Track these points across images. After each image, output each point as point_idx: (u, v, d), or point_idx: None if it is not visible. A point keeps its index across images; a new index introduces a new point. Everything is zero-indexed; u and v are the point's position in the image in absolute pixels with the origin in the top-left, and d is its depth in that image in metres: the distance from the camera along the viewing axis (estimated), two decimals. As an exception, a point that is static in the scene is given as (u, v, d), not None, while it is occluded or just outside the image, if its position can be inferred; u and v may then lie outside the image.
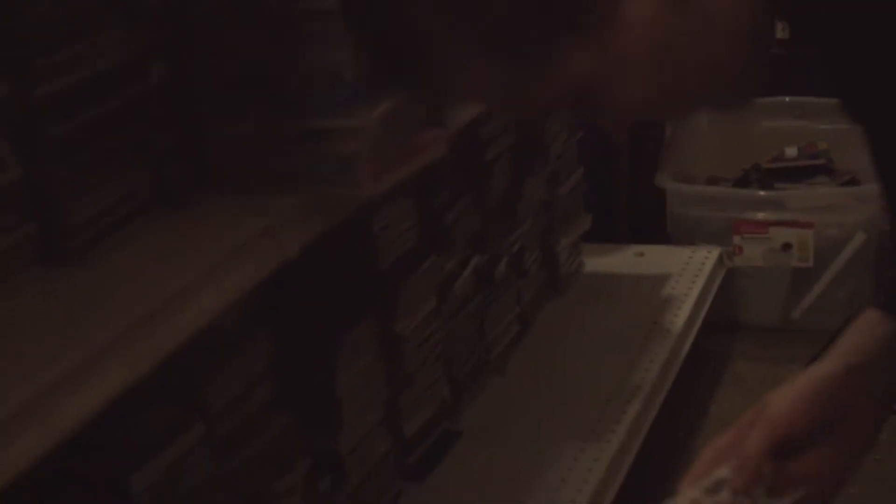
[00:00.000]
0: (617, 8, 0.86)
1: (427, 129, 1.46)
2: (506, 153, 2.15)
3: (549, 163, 2.37)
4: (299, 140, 1.30)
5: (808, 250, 2.76)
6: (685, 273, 2.62)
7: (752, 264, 2.78)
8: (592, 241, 2.61)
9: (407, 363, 1.80)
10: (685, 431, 2.48)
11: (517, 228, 2.22)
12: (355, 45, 1.12)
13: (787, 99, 3.10)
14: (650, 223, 2.92)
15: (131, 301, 1.09)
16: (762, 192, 2.88)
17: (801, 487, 1.10)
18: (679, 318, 2.44)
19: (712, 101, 0.98)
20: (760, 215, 2.77)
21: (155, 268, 1.16)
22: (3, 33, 1.12)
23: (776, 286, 2.80)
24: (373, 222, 1.71)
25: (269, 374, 1.47)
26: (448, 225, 1.96)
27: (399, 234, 1.78)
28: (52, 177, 1.15)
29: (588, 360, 2.25)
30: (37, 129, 1.13)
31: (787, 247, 2.76)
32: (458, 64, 0.87)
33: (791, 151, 3.05)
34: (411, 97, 1.32)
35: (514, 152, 2.19)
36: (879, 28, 0.91)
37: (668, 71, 0.90)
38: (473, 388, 2.06)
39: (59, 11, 1.15)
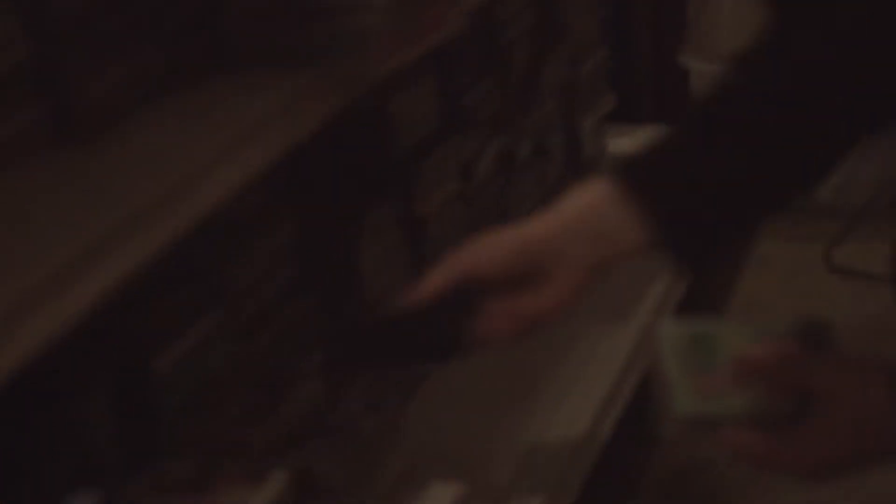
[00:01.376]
0: None
1: (442, 5, 1.44)
2: (526, 33, 2.12)
3: (571, 42, 2.33)
4: (314, 15, 1.28)
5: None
6: (709, 151, 2.59)
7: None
8: (616, 121, 2.58)
9: (429, 245, 1.78)
10: (712, 312, 2.48)
11: (539, 109, 2.19)
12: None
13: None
14: (674, 102, 2.89)
15: (148, 179, 1.08)
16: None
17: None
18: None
19: None
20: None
21: (171, 146, 1.14)
22: None
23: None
24: (392, 103, 1.69)
25: (290, 257, 1.46)
26: (468, 106, 1.93)
27: (419, 115, 1.76)
28: (64, 54, 1.12)
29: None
30: (46, 4, 1.11)
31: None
32: None
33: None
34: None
35: (534, 32, 2.15)
36: None
37: None
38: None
39: None
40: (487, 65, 2.00)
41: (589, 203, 1.12)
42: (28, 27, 1.10)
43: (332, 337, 1.47)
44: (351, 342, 1.26)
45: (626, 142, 2.60)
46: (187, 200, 1.09)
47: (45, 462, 1.09)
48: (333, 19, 1.28)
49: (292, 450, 1.36)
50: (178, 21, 1.24)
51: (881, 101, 1.10)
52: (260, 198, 1.40)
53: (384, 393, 1.58)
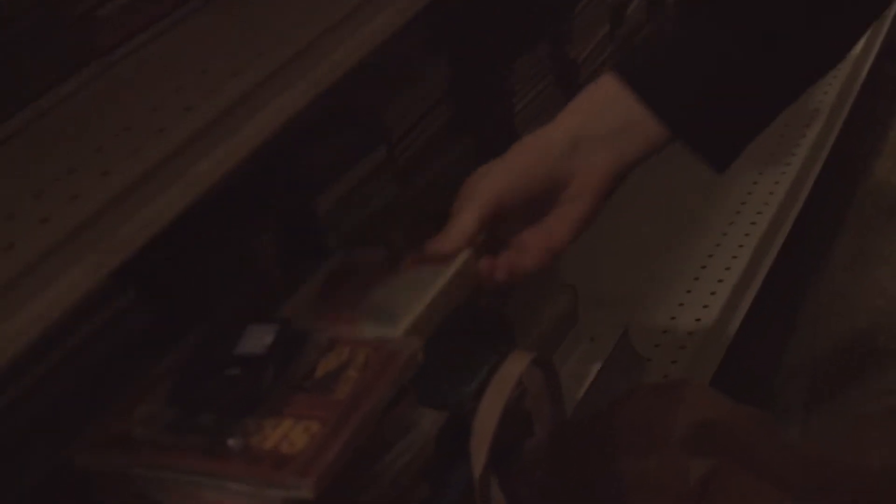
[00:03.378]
0: None
1: None
2: None
3: None
4: None
5: None
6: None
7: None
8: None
9: (580, 88, 1.77)
10: (863, 155, 2.43)
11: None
12: None
13: None
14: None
15: (310, 22, 1.09)
16: None
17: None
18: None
19: None
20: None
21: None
22: None
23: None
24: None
25: (447, 99, 1.47)
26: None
27: (571, -42, 1.75)
28: None
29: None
30: None
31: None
32: None
33: None
34: None
35: None
36: None
37: None
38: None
39: None
40: None
41: (599, 106, 1.07)
42: None
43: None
44: None
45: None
46: (347, 42, 1.10)
47: (222, 296, 1.12)
48: None
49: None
50: None
51: None
52: (417, 40, 1.40)
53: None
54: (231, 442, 0.91)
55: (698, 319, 1.65)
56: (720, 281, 1.72)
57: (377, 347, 0.99)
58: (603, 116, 1.06)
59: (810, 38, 1.06)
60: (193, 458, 0.92)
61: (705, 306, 1.67)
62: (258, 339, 0.97)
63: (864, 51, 2.39)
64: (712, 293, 1.70)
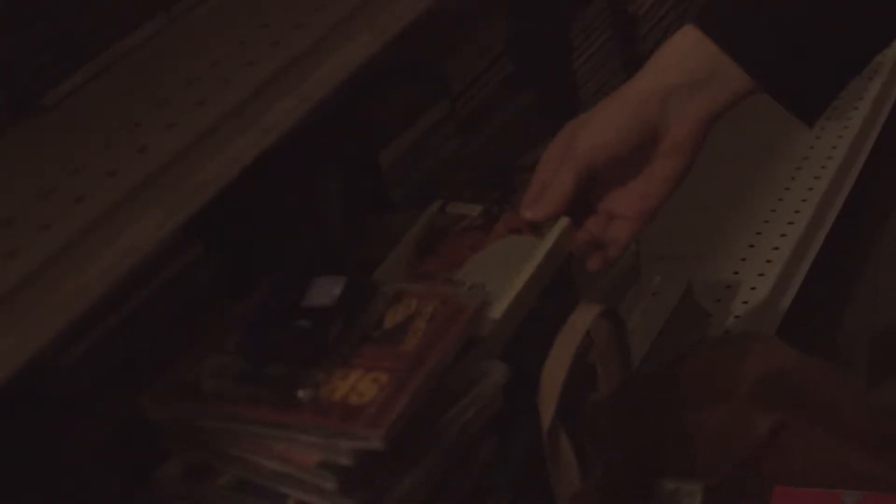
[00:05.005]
0: None
1: None
2: None
3: None
4: None
5: None
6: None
7: None
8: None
9: (639, 44, 1.77)
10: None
11: None
12: None
13: None
14: None
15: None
16: None
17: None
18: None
19: None
20: None
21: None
22: None
23: None
24: None
25: (507, 54, 1.47)
26: None
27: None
28: None
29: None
30: None
31: None
32: None
33: None
34: None
35: None
36: None
37: None
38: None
39: None
40: None
41: (683, 57, 1.03)
42: None
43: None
44: None
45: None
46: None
47: (289, 247, 1.13)
48: None
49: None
50: None
51: None
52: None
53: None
54: (300, 393, 0.91)
55: (761, 274, 1.63)
56: (783, 236, 1.71)
57: (445, 300, 0.99)
58: (688, 66, 1.03)
59: None
60: (262, 410, 0.92)
61: (768, 261, 1.66)
62: (327, 291, 0.97)
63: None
64: (775, 248, 1.69)
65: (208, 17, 1.05)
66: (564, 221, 1.05)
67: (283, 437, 0.91)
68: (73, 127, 0.92)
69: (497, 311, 1.01)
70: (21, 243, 0.78)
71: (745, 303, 1.59)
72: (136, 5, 1.00)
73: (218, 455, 0.95)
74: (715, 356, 1.13)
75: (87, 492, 0.96)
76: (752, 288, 1.61)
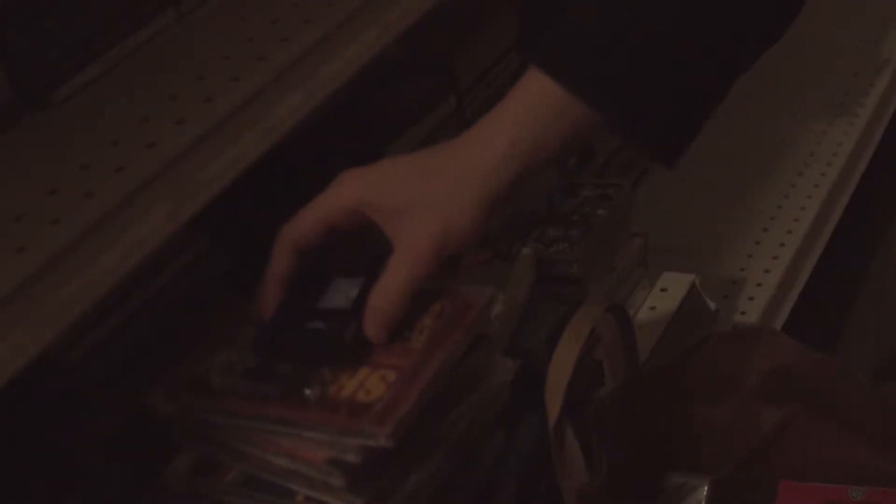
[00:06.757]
0: None
1: None
2: None
3: None
4: None
5: None
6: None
7: None
8: None
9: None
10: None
11: None
12: None
13: None
14: None
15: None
16: None
17: None
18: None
19: None
20: None
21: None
22: None
23: None
24: None
25: (514, 49, 1.47)
26: None
27: None
28: None
29: (834, 33, 2.18)
30: None
31: None
32: None
33: None
34: None
35: None
36: None
37: None
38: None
39: None
40: None
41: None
42: None
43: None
44: None
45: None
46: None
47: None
48: None
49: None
50: None
51: None
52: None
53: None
54: (308, 391, 0.92)
55: (767, 271, 1.63)
56: (789, 232, 1.71)
57: (453, 297, 0.99)
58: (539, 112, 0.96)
59: None
60: (271, 406, 0.92)
61: (775, 258, 1.66)
62: (343, 293, 0.97)
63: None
64: (781, 244, 1.68)
65: (217, 13, 1.06)
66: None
67: (291, 433, 0.91)
68: (82, 123, 0.92)
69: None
70: (30, 238, 0.78)
71: (751, 299, 1.58)
72: (145, 1, 1.01)
73: (226, 451, 0.95)
74: (722, 351, 1.13)
75: (96, 487, 0.97)
76: (759, 284, 1.61)
